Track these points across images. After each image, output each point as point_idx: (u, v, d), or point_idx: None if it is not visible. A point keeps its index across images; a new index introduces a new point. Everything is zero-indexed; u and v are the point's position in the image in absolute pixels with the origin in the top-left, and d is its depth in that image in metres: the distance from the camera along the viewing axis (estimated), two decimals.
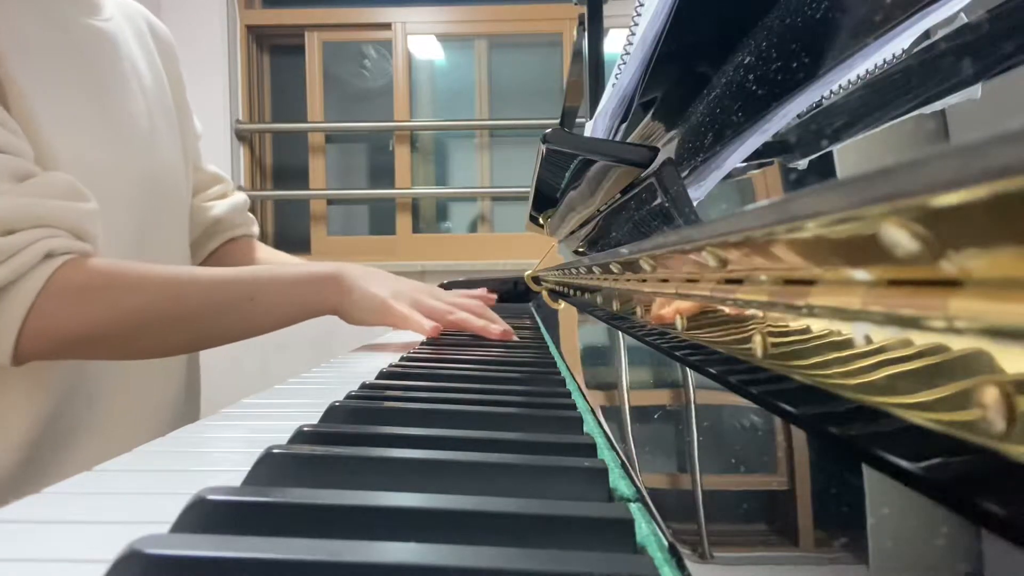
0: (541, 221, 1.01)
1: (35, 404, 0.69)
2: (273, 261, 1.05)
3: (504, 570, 0.19)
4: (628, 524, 0.23)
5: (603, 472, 0.28)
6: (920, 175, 0.10)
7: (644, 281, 0.35)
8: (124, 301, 0.65)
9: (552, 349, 0.77)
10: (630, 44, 0.44)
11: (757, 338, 0.20)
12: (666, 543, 0.24)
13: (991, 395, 0.10)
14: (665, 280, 0.31)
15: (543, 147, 0.51)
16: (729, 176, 0.34)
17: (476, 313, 0.82)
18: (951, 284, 0.11)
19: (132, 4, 0.87)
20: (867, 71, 0.23)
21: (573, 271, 0.69)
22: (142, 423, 0.79)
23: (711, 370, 0.26)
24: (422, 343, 0.81)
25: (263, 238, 3.05)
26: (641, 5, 0.42)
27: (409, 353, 0.71)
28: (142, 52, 0.84)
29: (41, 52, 0.70)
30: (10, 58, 0.66)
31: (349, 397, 0.43)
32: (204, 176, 1.00)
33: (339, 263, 0.78)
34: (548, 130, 0.48)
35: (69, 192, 0.65)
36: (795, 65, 0.27)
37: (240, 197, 1.04)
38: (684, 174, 0.38)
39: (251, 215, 1.07)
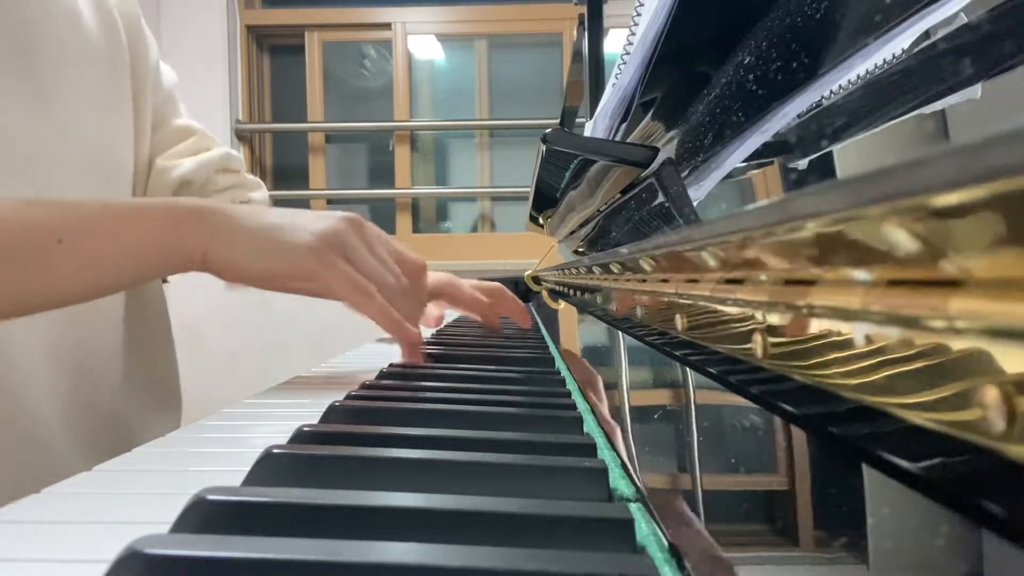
0: (541, 221, 1.01)
1: None
2: None
3: (504, 570, 0.19)
4: (628, 524, 0.23)
5: (603, 472, 0.28)
6: (920, 175, 0.10)
7: (644, 281, 0.35)
8: None
9: (552, 349, 0.77)
10: (630, 44, 0.44)
11: (757, 338, 0.20)
12: (666, 543, 0.24)
13: (991, 395, 0.10)
14: (665, 280, 0.31)
15: (543, 147, 0.51)
16: (729, 176, 0.34)
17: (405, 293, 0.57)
18: (951, 284, 0.11)
19: None
20: (867, 71, 0.23)
21: (573, 271, 0.69)
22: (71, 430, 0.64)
23: (711, 370, 0.26)
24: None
25: None
26: (641, 5, 0.42)
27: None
28: (102, 27, 0.71)
29: None
30: None
31: (349, 397, 0.43)
32: (170, 132, 0.78)
33: (211, 201, 0.54)
34: (548, 130, 0.48)
35: None
36: (795, 65, 0.27)
37: (217, 152, 0.80)
38: (684, 174, 0.38)
39: (253, 178, 0.86)
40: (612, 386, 0.47)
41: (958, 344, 0.11)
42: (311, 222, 0.53)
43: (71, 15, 0.67)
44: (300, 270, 0.52)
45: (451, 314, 1.24)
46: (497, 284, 0.92)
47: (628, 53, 0.44)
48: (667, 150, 0.42)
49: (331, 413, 0.39)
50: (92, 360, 0.69)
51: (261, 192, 0.87)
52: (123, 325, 0.74)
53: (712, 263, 0.22)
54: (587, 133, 0.56)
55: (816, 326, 0.16)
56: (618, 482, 0.31)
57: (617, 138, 0.50)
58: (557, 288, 1.00)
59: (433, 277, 0.82)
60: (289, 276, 0.52)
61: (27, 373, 0.62)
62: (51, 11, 0.65)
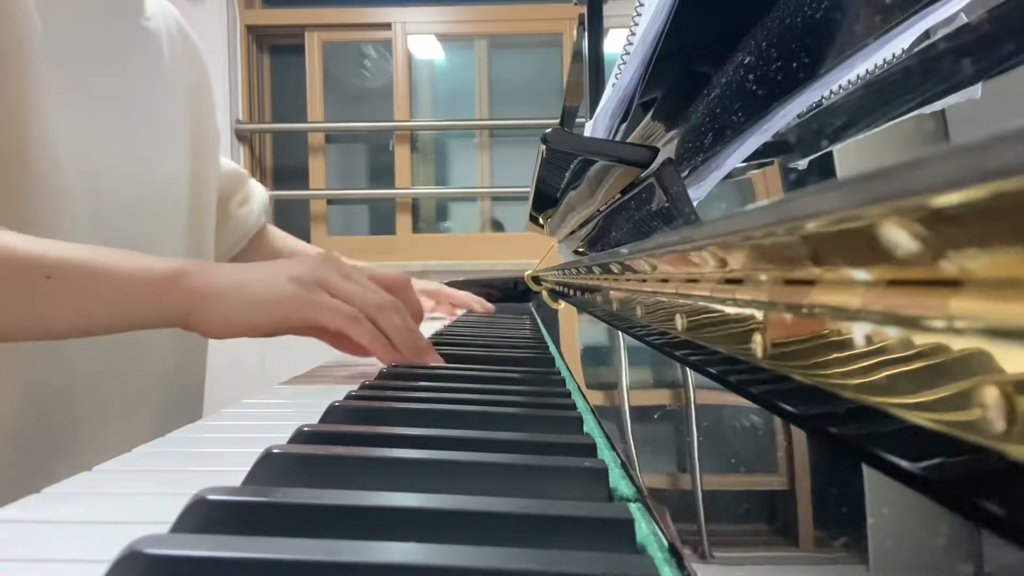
0: (541, 221, 1.01)
1: (16, 394, 0.60)
2: (287, 248, 1.01)
3: (504, 570, 0.19)
4: (628, 524, 0.23)
5: (603, 472, 0.28)
6: (920, 175, 0.10)
7: (644, 281, 0.35)
8: None
9: (552, 349, 0.77)
10: (630, 44, 0.44)
11: (757, 338, 0.20)
12: (666, 543, 0.24)
13: (991, 395, 0.10)
14: (665, 280, 0.31)
15: (543, 147, 0.51)
16: (729, 176, 0.34)
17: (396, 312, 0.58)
18: (951, 284, 0.11)
19: (166, 4, 0.82)
20: (867, 71, 0.23)
21: (573, 271, 0.69)
22: (135, 417, 0.71)
23: (711, 370, 0.26)
24: None
25: None
26: (641, 5, 0.42)
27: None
28: (171, 56, 0.80)
29: (79, 48, 0.65)
30: (41, 50, 0.60)
31: (349, 397, 0.43)
32: (230, 179, 0.94)
33: (199, 261, 0.60)
34: (548, 130, 0.48)
35: None
36: (795, 65, 0.27)
37: (263, 191, 1.01)
38: (684, 174, 0.38)
39: (260, 192, 1.04)
40: (612, 386, 0.47)
41: (958, 344, 0.11)
42: (286, 269, 0.55)
43: (158, 59, 0.77)
44: (287, 316, 0.54)
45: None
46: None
47: (628, 53, 0.44)
48: (667, 150, 0.42)
49: (331, 413, 0.39)
50: (145, 368, 0.74)
51: (265, 196, 1.02)
52: (172, 342, 0.78)
53: (712, 263, 0.22)
54: (587, 133, 0.56)
55: (816, 326, 0.16)
56: (618, 482, 0.31)
57: (617, 138, 0.50)
58: (557, 288, 1.00)
59: (421, 286, 1.04)
60: (277, 324, 0.54)
61: (83, 386, 0.66)
62: (151, 57, 0.75)
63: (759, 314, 0.20)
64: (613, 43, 0.67)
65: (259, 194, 0.99)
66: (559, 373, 0.57)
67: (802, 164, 0.28)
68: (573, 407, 0.42)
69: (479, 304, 1.25)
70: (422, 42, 2.75)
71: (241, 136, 2.66)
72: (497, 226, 2.78)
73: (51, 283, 0.50)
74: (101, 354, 0.67)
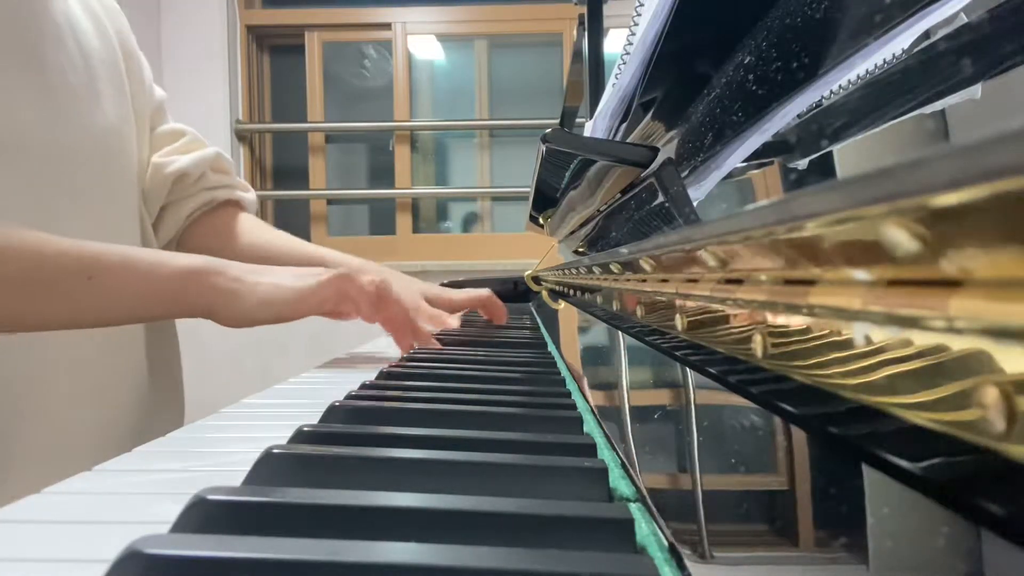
0: (541, 221, 1.01)
1: None
2: (269, 241, 0.91)
3: (504, 570, 0.19)
4: (628, 524, 0.23)
5: (603, 472, 0.28)
6: (920, 175, 0.10)
7: (644, 281, 0.35)
8: None
9: (552, 349, 0.77)
10: (630, 44, 0.44)
11: (757, 338, 0.20)
12: (666, 543, 0.24)
13: (991, 395, 0.10)
14: (665, 280, 0.31)
15: (543, 147, 0.51)
16: (729, 176, 0.34)
17: (404, 317, 0.70)
18: (951, 284, 0.11)
19: None
20: (867, 71, 0.23)
21: (573, 271, 0.69)
22: (90, 441, 0.69)
23: (711, 370, 0.26)
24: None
25: None
26: (641, 5, 0.42)
27: (409, 353, 0.71)
28: (82, 8, 0.75)
29: None
30: None
31: (349, 397, 0.43)
32: (163, 134, 0.86)
33: (221, 260, 0.63)
34: (548, 130, 0.48)
35: None
36: (795, 65, 0.27)
37: (211, 150, 0.88)
38: (684, 174, 0.38)
39: (239, 180, 0.92)
40: (612, 386, 0.47)
41: (958, 344, 0.11)
42: (295, 274, 0.64)
43: (69, 20, 0.72)
44: (321, 301, 0.63)
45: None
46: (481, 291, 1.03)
47: (628, 53, 0.44)
48: (667, 150, 0.42)
49: (331, 413, 0.39)
50: (113, 370, 0.72)
51: (250, 194, 0.94)
52: (142, 330, 0.77)
53: (712, 263, 0.22)
54: (587, 133, 0.56)
55: (816, 326, 0.16)
56: (618, 482, 0.31)
57: (617, 138, 0.50)
58: (557, 288, 1.00)
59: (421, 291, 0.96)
60: (300, 310, 0.63)
61: (51, 389, 0.65)
62: (50, 16, 0.70)
63: (759, 314, 0.20)
64: (613, 43, 0.67)
65: (204, 150, 0.87)
66: (559, 373, 0.57)
67: (802, 164, 0.28)
68: (573, 407, 0.42)
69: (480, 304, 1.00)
70: (422, 42, 2.75)
71: (241, 136, 2.66)
72: (496, 226, 2.78)
73: (91, 284, 0.56)
74: (69, 347, 0.66)
